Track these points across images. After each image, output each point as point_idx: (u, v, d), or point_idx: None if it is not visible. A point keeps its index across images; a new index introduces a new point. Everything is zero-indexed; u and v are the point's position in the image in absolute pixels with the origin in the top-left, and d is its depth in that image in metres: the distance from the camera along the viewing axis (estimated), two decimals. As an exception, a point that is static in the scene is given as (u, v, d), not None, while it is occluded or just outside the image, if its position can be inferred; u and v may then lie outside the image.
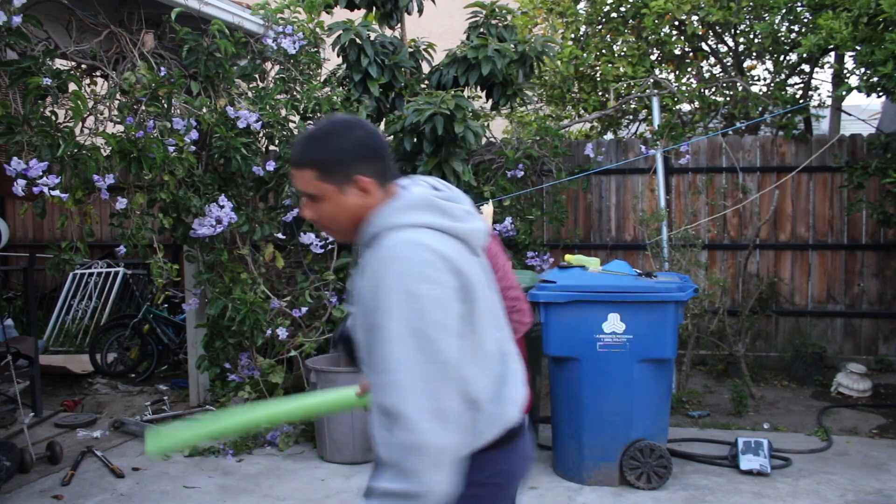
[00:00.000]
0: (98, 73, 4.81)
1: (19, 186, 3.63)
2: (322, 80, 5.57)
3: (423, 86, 6.15)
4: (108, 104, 4.54)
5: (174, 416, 5.52)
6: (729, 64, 7.76)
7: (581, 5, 7.92)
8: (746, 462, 4.32)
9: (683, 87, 7.45)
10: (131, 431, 5.18)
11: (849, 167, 6.42)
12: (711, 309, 6.10)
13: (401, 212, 1.61)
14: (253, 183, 5.11)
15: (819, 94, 7.60)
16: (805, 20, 6.81)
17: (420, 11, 6.26)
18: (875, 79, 5.40)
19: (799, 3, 6.75)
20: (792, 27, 7.09)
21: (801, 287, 6.71)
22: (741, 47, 7.59)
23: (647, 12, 6.97)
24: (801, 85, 7.43)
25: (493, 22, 6.16)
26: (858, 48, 5.49)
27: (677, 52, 7.66)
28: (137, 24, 4.82)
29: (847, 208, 6.50)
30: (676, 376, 5.66)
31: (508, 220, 5.52)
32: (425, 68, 6.25)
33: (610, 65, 7.42)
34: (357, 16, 6.05)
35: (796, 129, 6.68)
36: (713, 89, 7.37)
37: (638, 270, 4.42)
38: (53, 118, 3.98)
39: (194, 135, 4.48)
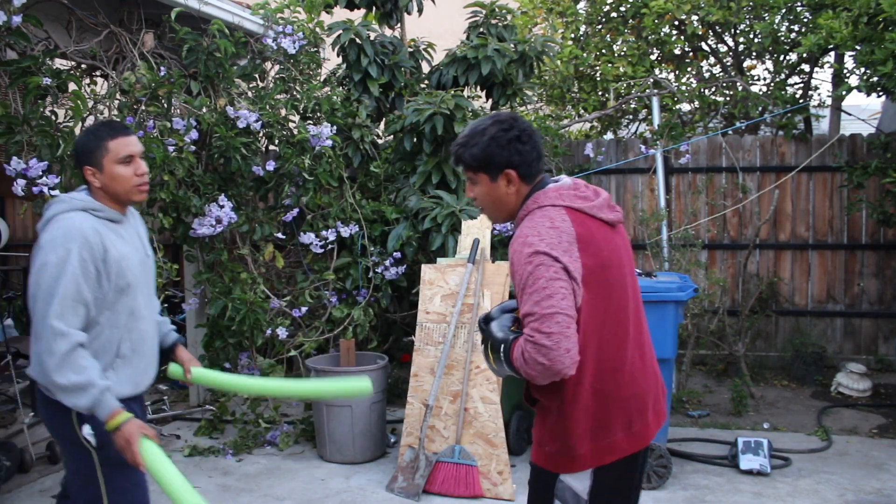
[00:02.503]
0: (98, 73, 4.81)
1: (19, 186, 3.63)
2: (322, 80, 5.57)
3: (422, 85, 6.15)
4: (108, 104, 4.54)
5: (174, 416, 5.52)
6: (729, 64, 7.77)
7: (581, 5, 7.93)
8: (746, 462, 4.32)
9: (683, 87, 7.45)
10: (131, 431, 5.17)
11: (849, 167, 6.42)
12: (711, 309, 6.10)
13: None
14: (253, 183, 5.11)
15: (819, 94, 7.60)
16: (805, 20, 6.81)
17: (420, 11, 6.26)
18: (875, 78, 5.40)
19: (799, 3, 6.75)
20: (792, 27, 7.10)
21: (801, 287, 6.71)
22: (741, 47, 7.59)
23: (647, 12, 6.97)
24: (801, 85, 7.43)
25: (493, 22, 6.16)
26: (858, 48, 5.49)
27: (677, 51, 7.67)
28: (137, 23, 4.82)
29: (847, 208, 6.50)
30: (676, 376, 5.66)
31: (508, 219, 5.52)
32: (425, 68, 6.25)
33: (610, 65, 7.42)
34: (357, 16, 6.05)
35: (796, 129, 6.68)
36: (713, 89, 7.37)
37: (638, 270, 4.42)
38: (53, 118, 3.98)
39: (194, 135, 4.48)
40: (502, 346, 1.96)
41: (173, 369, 2.68)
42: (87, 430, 2.29)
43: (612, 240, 2.05)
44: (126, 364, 2.38)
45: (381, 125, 6.02)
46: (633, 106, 7.73)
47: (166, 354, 2.69)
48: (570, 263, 1.89)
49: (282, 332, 4.84)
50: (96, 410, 2.17)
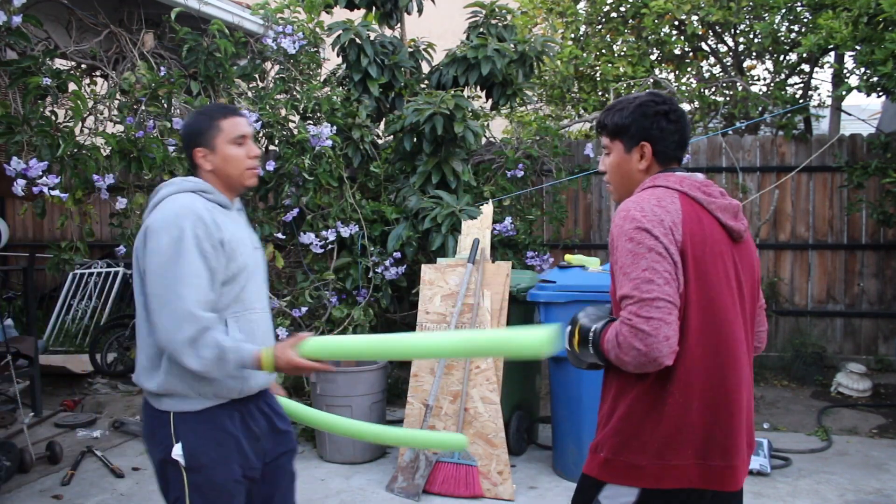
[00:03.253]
0: (98, 73, 4.82)
1: (19, 186, 3.63)
2: (322, 80, 5.58)
3: (422, 86, 6.15)
4: (108, 104, 4.55)
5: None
6: (729, 64, 7.77)
7: (581, 5, 7.93)
8: (746, 462, 4.32)
9: (683, 87, 7.45)
10: (131, 431, 5.18)
11: (849, 167, 6.42)
12: (711, 309, 6.09)
13: None
14: (253, 183, 5.11)
15: (819, 94, 7.60)
16: (805, 20, 6.81)
17: (420, 11, 6.27)
18: (875, 78, 5.40)
19: (799, 3, 6.75)
20: (792, 27, 7.10)
21: (801, 287, 6.71)
22: (741, 47, 7.59)
23: (647, 12, 6.97)
24: (801, 85, 7.43)
25: (493, 22, 6.16)
26: (858, 48, 5.50)
27: (677, 51, 7.67)
28: (137, 23, 4.82)
29: (847, 208, 6.50)
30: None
31: (508, 219, 5.52)
32: (425, 68, 6.25)
33: (610, 65, 7.42)
34: (357, 16, 6.05)
35: (796, 129, 6.68)
36: (713, 89, 7.37)
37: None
38: (53, 118, 3.98)
39: (194, 135, 4.48)
40: (593, 328, 1.85)
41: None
42: (177, 450, 2.08)
43: (722, 246, 1.85)
44: None
45: (381, 125, 6.03)
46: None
47: None
48: (671, 245, 1.75)
49: (282, 332, 4.84)
50: (244, 368, 2.04)
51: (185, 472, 2.08)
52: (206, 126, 2.21)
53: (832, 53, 6.70)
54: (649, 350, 1.69)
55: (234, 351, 2.01)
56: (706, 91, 7.26)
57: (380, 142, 6.01)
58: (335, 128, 5.05)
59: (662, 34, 7.33)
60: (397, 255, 5.24)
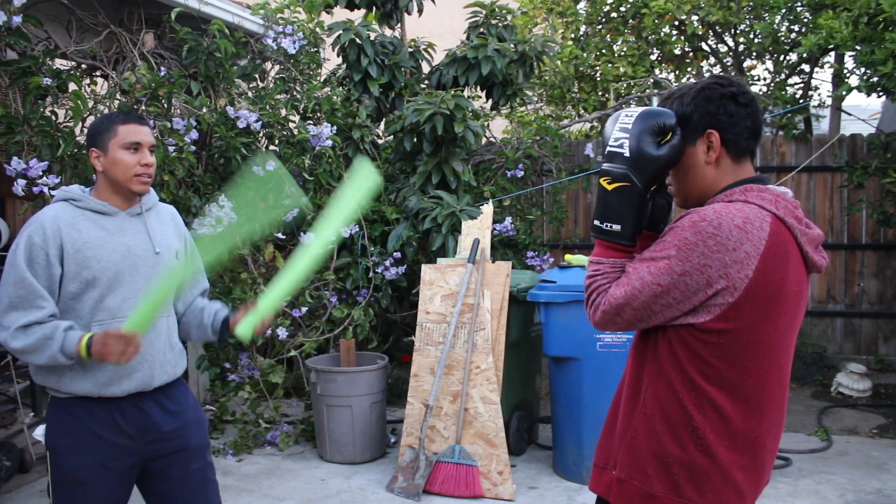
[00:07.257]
0: (98, 73, 4.82)
1: (19, 186, 3.63)
2: (322, 80, 5.58)
3: (422, 86, 6.15)
4: (108, 104, 4.55)
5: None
6: (729, 64, 7.77)
7: (581, 5, 7.93)
8: (746, 462, 4.32)
9: (683, 87, 7.45)
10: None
11: (849, 167, 6.42)
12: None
13: None
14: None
15: (819, 94, 7.61)
16: (805, 20, 6.82)
17: (420, 11, 6.27)
18: (875, 78, 5.41)
19: (799, 3, 6.76)
20: (792, 27, 7.10)
21: (801, 287, 6.71)
22: (741, 47, 7.60)
23: (647, 12, 6.97)
24: (801, 85, 7.43)
25: (493, 22, 6.16)
26: (858, 48, 5.50)
27: (677, 52, 7.67)
28: (137, 23, 4.82)
29: (847, 208, 6.50)
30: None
31: (508, 220, 5.52)
32: (425, 68, 6.25)
33: (610, 65, 7.43)
34: (357, 16, 6.05)
35: (796, 129, 6.68)
36: (713, 89, 7.37)
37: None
38: (53, 118, 3.99)
39: (194, 135, 4.48)
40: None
41: (239, 332, 2.31)
42: (39, 431, 2.23)
43: (798, 286, 1.61)
44: (90, 361, 2.18)
45: (381, 125, 6.03)
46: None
47: (224, 334, 2.49)
48: (718, 281, 1.52)
49: (282, 333, 4.84)
50: (64, 354, 2.12)
51: (47, 451, 2.24)
52: (104, 128, 2.27)
53: (832, 53, 6.70)
54: (592, 314, 1.66)
55: (58, 336, 2.11)
56: (706, 91, 7.26)
57: (380, 142, 6.01)
58: (335, 128, 5.05)
59: (662, 34, 7.34)
60: (397, 255, 5.24)
